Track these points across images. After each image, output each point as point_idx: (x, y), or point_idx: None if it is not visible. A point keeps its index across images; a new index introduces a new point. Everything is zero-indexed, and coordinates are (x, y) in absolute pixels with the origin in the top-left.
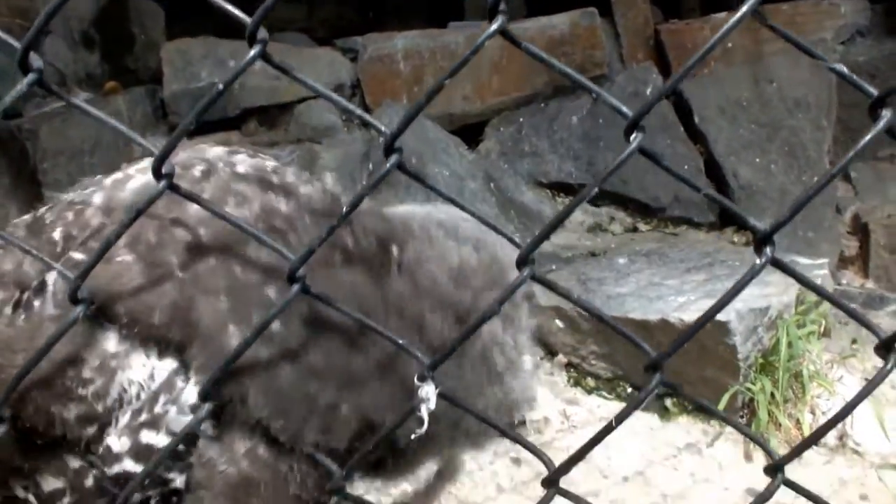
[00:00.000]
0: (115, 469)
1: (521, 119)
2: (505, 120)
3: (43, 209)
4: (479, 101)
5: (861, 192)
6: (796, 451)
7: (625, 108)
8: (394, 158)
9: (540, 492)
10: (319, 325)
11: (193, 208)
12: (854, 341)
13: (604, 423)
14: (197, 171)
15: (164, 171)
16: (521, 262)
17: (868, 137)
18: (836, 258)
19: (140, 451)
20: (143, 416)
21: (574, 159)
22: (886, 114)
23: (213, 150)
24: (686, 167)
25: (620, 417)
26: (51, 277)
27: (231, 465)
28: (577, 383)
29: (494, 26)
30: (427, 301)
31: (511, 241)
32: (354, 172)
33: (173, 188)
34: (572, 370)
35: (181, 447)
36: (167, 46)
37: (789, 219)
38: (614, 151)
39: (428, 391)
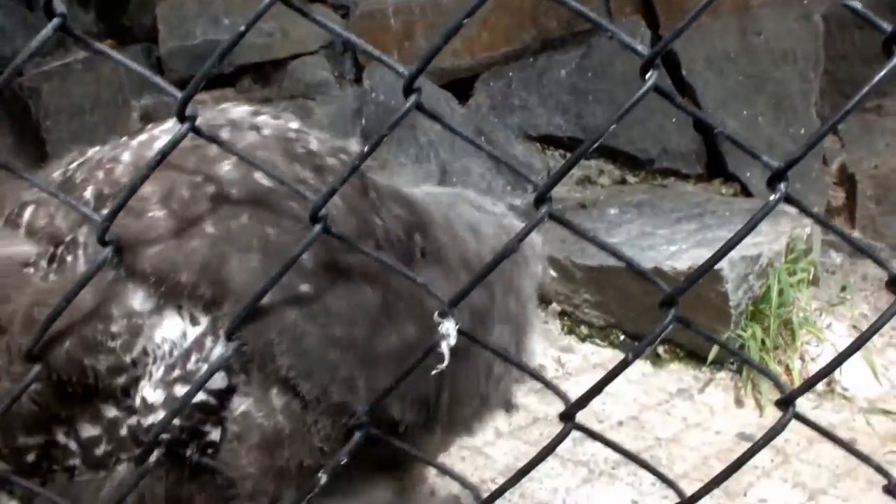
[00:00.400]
0: (150, 419)
1: (511, 73)
2: (494, 74)
3: (73, 166)
4: (469, 56)
5: (848, 143)
6: (807, 385)
7: (640, 47)
8: (413, 98)
9: (536, 434)
10: (346, 297)
11: (225, 168)
12: (843, 289)
13: (597, 370)
14: (224, 132)
15: (187, 113)
16: (540, 201)
17: (884, 72)
18: (823, 209)
19: (174, 404)
20: (177, 372)
21: (563, 113)
22: None
23: (237, 110)
24: (674, 119)
25: (637, 352)
26: (83, 233)
27: (268, 419)
28: (570, 331)
29: None
30: (448, 285)
31: (528, 180)
32: (347, 128)
33: (196, 131)
34: (566, 318)
35: (214, 402)
36: (162, 5)
37: (803, 154)
38: (603, 104)
39: (448, 327)
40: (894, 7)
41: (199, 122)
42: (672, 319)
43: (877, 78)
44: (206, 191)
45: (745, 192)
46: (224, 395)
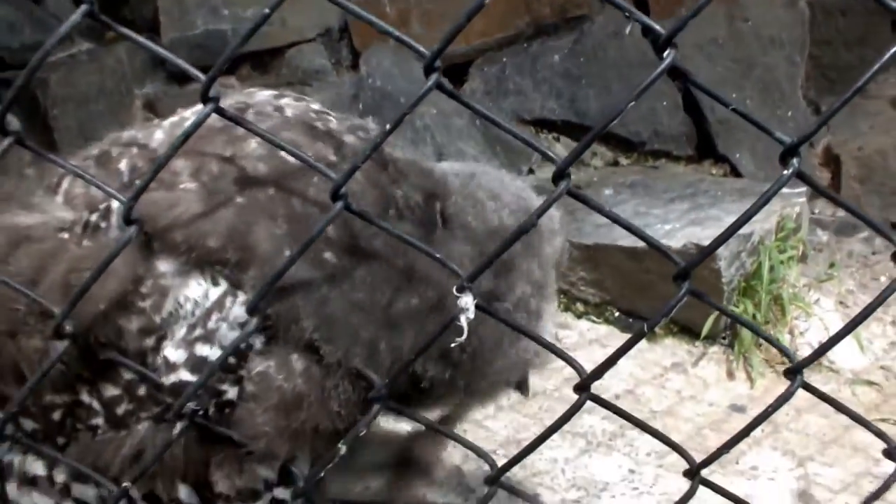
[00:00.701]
0: (172, 378)
1: (505, 59)
2: (489, 60)
3: (107, 144)
4: (464, 42)
5: (832, 125)
6: (816, 354)
7: (656, 25)
8: (434, 77)
9: (535, 408)
10: (368, 264)
11: (252, 146)
12: (831, 265)
13: (594, 345)
14: (249, 114)
15: (210, 94)
16: (558, 176)
17: None
18: (809, 190)
19: (195, 363)
20: (198, 331)
21: (556, 97)
22: None
23: (261, 94)
24: (664, 102)
25: (652, 324)
26: (116, 202)
27: (288, 381)
28: (567, 308)
29: None
30: (470, 248)
31: (545, 155)
32: (345, 113)
33: (219, 112)
34: (562, 296)
35: (233, 361)
36: None
37: (816, 131)
38: (595, 88)
39: (467, 301)
40: None
41: (226, 103)
42: (686, 292)
43: (890, 53)
44: (235, 165)
45: (735, 172)
46: (243, 355)
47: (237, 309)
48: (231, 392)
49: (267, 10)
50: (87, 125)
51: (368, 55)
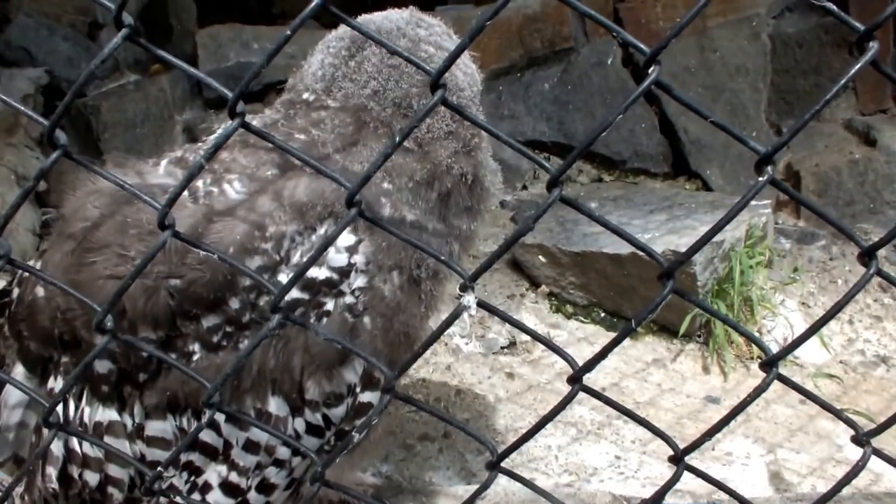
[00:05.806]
0: (286, 297)
1: (501, 87)
2: (486, 88)
3: (183, 151)
4: None
5: (792, 144)
6: (789, 349)
7: (642, 45)
8: (439, 94)
9: (531, 400)
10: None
11: None
12: (795, 270)
13: (582, 343)
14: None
15: (237, 110)
16: (552, 184)
17: (858, 67)
18: (773, 202)
19: (306, 282)
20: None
21: (546, 120)
22: (874, 45)
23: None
24: (643, 125)
25: (639, 320)
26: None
27: (392, 293)
28: (558, 310)
29: None
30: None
31: (541, 165)
32: None
33: (245, 126)
34: (553, 299)
35: (336, 277)
36: (201, 32)
37: (789, 139)
38: (581, 113)
39: (469, 300)
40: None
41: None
42: (671, 289)
43: (853, 71)
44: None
45: (706, 187)
46: (345, 272)
47: (342, 238)
48: (329, 304)
49: (288, 32)
50: (134, 147)
51: None
